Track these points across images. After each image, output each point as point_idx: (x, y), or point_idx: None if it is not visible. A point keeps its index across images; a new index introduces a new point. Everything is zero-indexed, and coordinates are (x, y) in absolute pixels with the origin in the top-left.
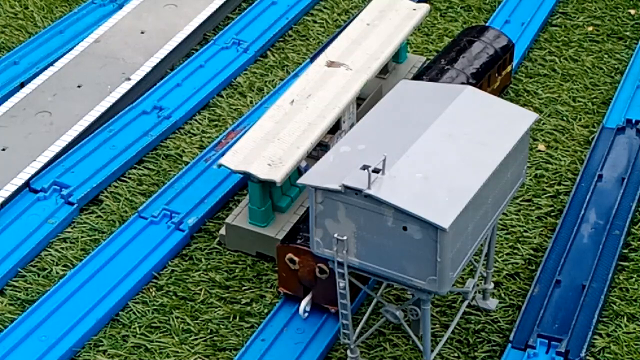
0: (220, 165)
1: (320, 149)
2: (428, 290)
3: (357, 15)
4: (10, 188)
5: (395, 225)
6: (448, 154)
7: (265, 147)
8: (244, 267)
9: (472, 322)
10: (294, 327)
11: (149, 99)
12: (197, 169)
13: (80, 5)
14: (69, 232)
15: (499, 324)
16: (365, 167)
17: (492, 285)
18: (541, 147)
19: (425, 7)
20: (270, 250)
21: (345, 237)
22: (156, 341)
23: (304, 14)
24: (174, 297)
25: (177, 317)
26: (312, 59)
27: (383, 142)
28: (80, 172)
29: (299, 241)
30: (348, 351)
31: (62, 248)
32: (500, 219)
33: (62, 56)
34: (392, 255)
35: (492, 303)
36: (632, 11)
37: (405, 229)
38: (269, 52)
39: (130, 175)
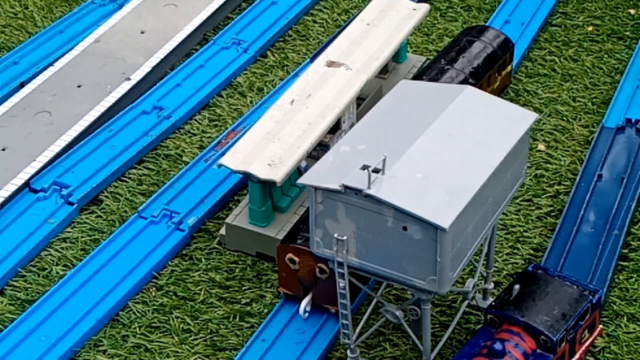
0: (220, 165)
1: (320, 149)
2: (428, 290)
3: (357, 15)
4: (10, 188)
5: (395, 225)
6: (448, 154)
7: (265, 147)
8: (244, 267)
9: (472, 322)
10: (294, 327)
11: (149, 99)
12: (197, 169)
13: (80, 5)
14: (69, 232)
15: None
16: (365, 167)
17: (492, 285)
18: (541, 147)
19: (425, 7)
20: (270, 250)
21: (345, 237)
22: (156, 341)
23: (304, 14)
24: (174, 297)
25: (177, 317)
26: (312, 59)
27: (383, 142)
28: (80, 172)
29: (299, 241)
30: (348, 351)
31: (62, 248)
32: (500, 219)
33: (62, 56)
34: (392, 255)
35: None
36: (632, 11)
37: (405, 229)
38: (269, 52)
39: (130, 175)
